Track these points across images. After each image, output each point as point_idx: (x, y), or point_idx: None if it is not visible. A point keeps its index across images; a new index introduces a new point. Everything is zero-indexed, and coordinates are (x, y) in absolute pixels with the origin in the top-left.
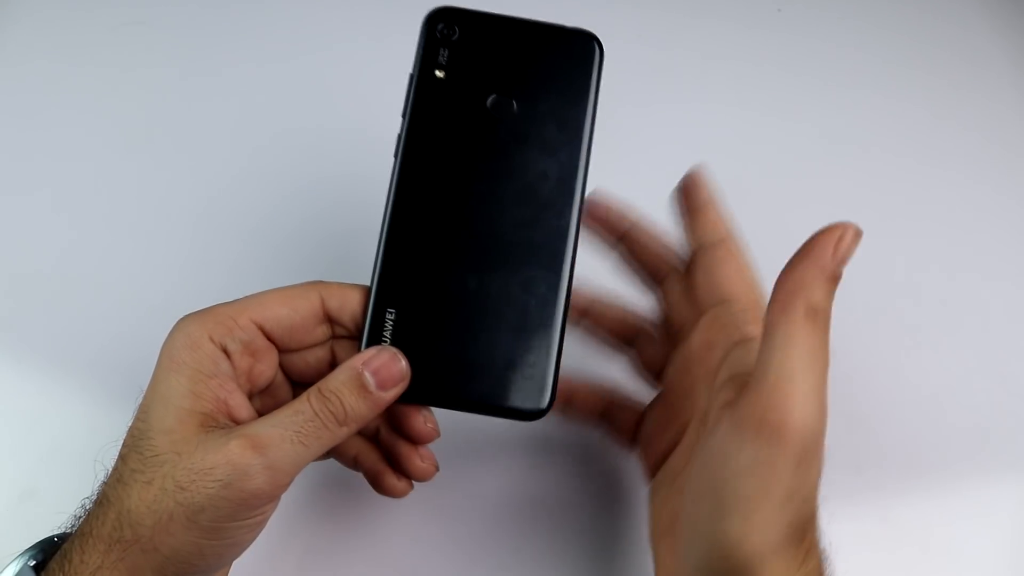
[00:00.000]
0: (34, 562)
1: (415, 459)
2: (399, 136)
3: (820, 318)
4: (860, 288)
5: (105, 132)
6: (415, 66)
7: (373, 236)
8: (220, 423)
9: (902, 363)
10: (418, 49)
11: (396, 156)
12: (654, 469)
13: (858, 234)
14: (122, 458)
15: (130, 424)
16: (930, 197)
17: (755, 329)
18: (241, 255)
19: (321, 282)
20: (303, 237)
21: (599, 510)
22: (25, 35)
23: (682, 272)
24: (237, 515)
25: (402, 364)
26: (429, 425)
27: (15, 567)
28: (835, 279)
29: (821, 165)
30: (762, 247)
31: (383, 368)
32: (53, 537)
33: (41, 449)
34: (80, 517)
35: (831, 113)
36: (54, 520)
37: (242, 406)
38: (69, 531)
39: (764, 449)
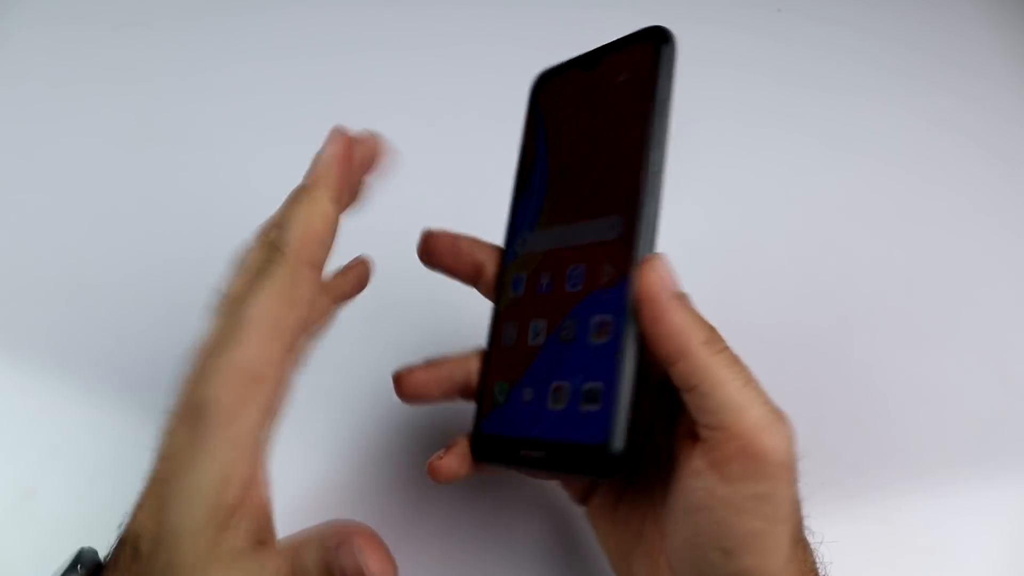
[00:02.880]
0: None
1: None
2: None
3: (711, 340)
4: (860, 290)
5: (106, 132)
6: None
7: (372, 235)
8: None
9: (902, 364)
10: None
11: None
12: (583, 494)
13: (663, 261)
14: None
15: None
16: (929, 199)
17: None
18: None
19: None
20: None
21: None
22: (27, 35)
23: None
24: None
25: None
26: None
27: None
28: (682, 297)
29: (819, 167)
30: (760, 249)
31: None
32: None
33: (41, 449)
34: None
35: (829, 116)
36: (54, 520)
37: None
38: (96, 555)
39: (761, 483)
